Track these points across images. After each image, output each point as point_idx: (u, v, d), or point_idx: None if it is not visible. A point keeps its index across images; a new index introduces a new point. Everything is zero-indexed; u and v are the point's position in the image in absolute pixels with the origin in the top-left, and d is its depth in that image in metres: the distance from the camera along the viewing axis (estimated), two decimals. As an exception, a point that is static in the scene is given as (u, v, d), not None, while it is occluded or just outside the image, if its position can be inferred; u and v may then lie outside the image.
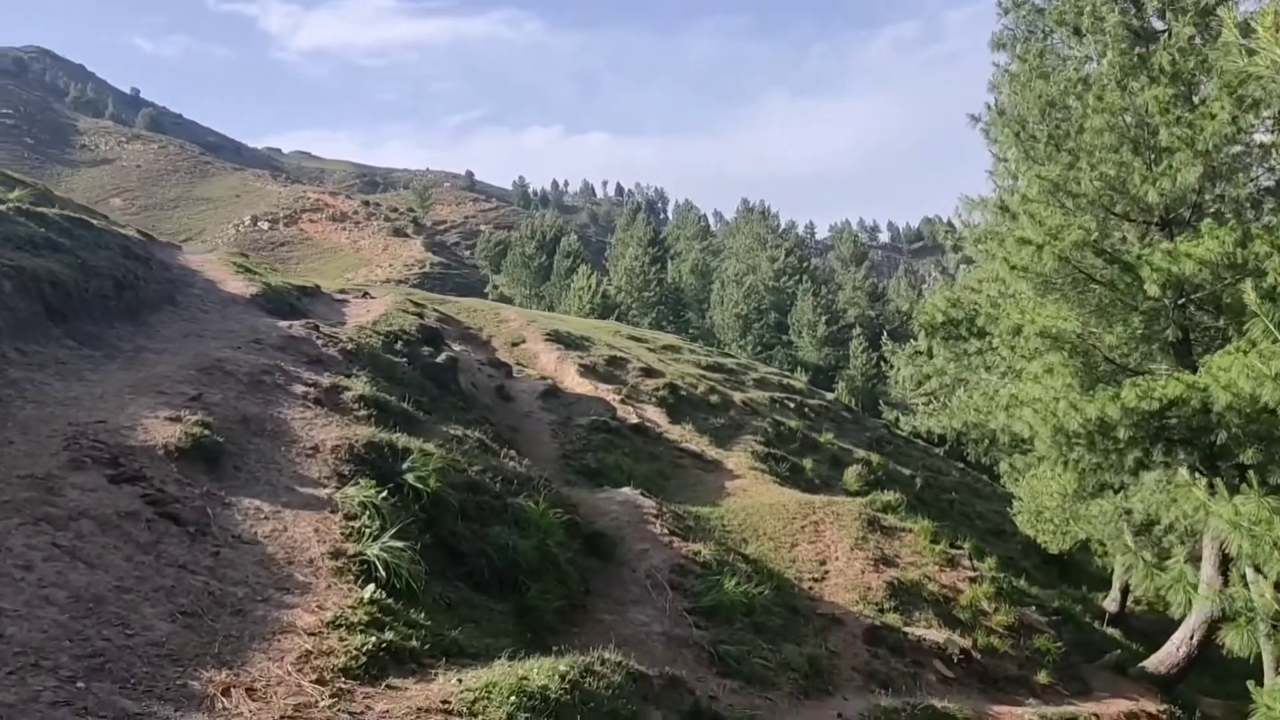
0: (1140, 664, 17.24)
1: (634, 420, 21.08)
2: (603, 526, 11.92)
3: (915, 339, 44.76)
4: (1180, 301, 16.18)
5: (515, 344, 26.73)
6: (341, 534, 7.12)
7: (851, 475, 26.08)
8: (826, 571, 15.17)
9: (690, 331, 68.60)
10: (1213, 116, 14.50)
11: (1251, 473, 11.32)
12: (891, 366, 76.56)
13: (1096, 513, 28.31)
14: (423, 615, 6.63)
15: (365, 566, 6.86)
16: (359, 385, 11.15)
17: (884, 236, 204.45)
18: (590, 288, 68.98)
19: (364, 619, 6.03)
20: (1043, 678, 14.41)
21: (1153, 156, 16.09)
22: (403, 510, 8.32)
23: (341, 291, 24.54)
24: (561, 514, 10.61)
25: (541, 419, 18.88)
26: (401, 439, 9.42)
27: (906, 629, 13.87)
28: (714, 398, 27.53)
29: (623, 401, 23.09)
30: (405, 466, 8.78)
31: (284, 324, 13.41)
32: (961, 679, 13.45)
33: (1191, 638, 16.92)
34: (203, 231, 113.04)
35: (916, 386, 69.52)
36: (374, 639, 5.79)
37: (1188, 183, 15.16)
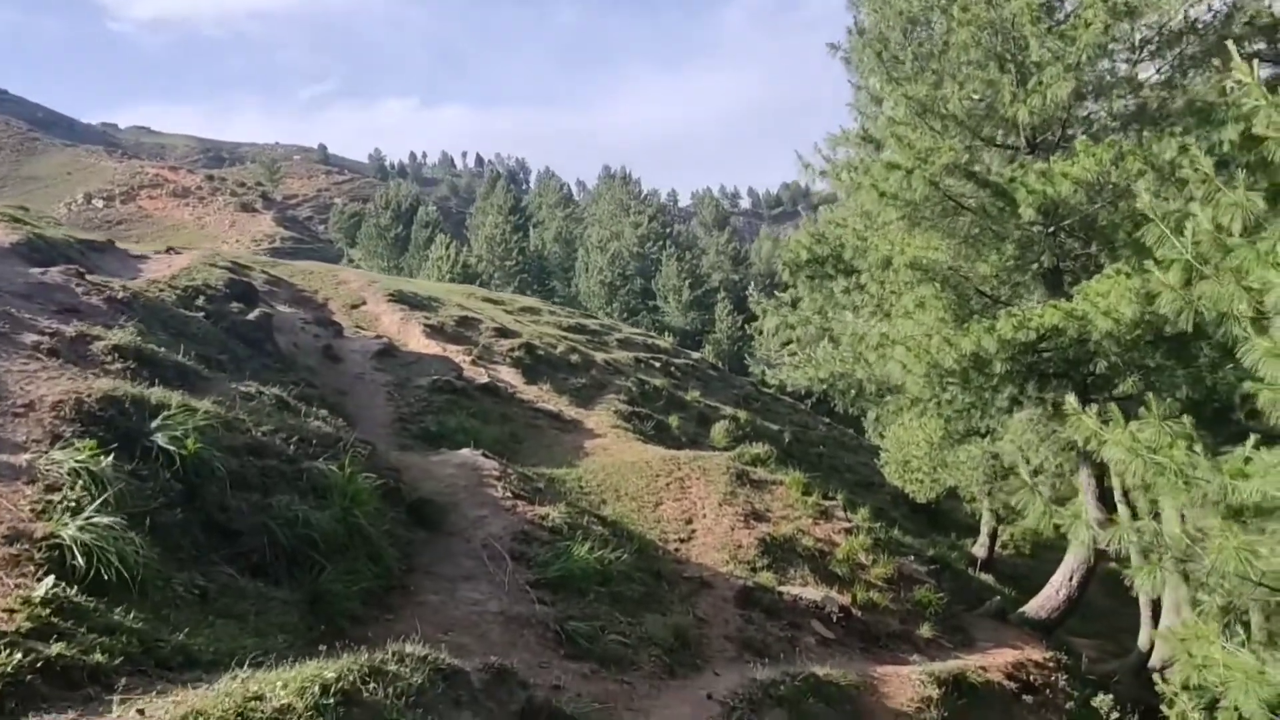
0: (1020, 610, 16.55)
1: (483, 380, 19.31)
2: (431, 492, 10.22)
3: (778, 295, 44.13)
4: (1051, 230, 15.38)
5: (354, 306, 24.53)
6: (31, 511, 5.26)
7: (719, 431, 24.95)
8: (694, 531, 13.83)
9: (556, 299, 66.89)
10: (1086, 25, 13.60)
11: (1152, 400, 10.31)
12: (759, 331, 76.58)
13: (965, 459, 28.04)
14: (137, 615, 4.87)
15: (57, 552, 5.04)
16: (119, 336, 9.14)
17: (745, 203, 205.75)
18: (449, 257, 66.30)
19: (27, 626, 4.25)
20: (926, 631, 13.42)
21: (1020, 75, 15.15)
22: (149, 479, 6.48)
23: (157, 254, 21.92)
24: (375, 479, 8.87)
25: (375, 380, 16.95)
26: (159, 394, 7.51)
27: (782, 588, 12.64)
28: (574, 357, 25.96)
29: (473, 362, 21.29)
30: (155, 425, 6.92)
31: (37, 271, 11.18)
32: (842, 639, 12.31)
33: (1071, 579, 16.30)
34: (30, 213, 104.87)
35: (782, 346, 69.49)
36: (30, 656, 4.02)
37: (1059, 99, 14.25)
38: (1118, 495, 16.47)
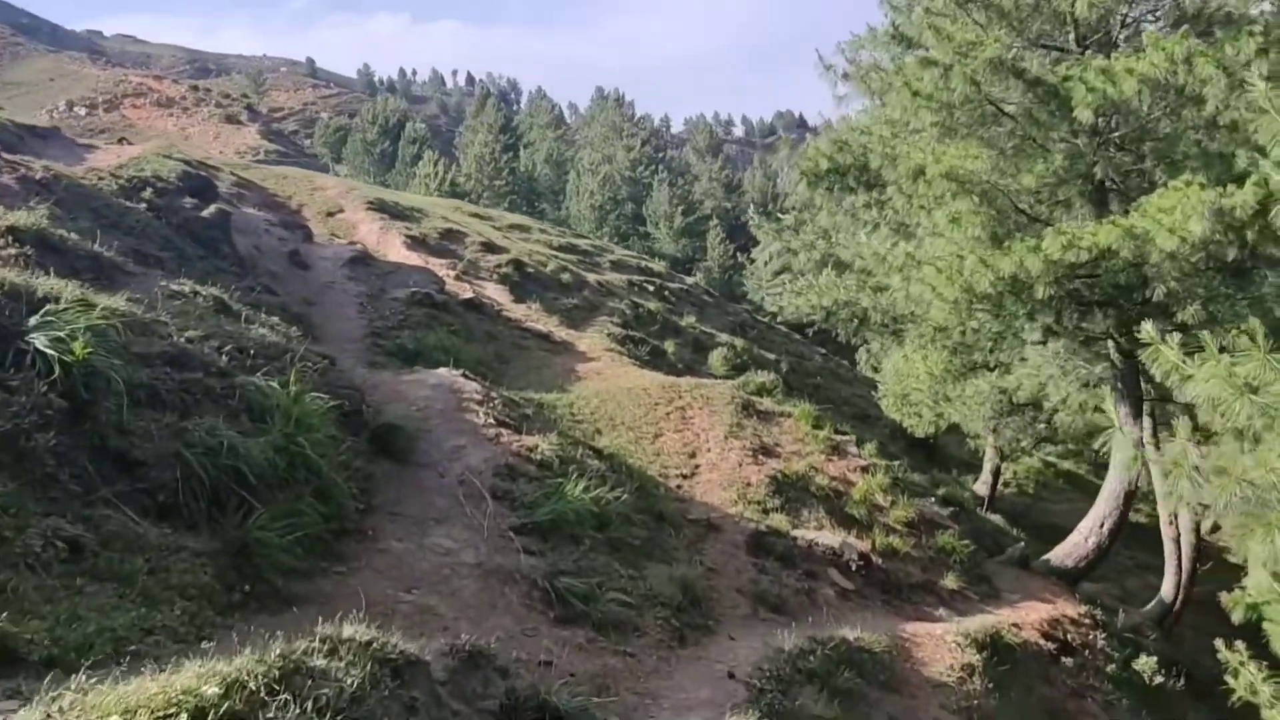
0: (1044, 558, 15.28)
1: (467, 296, 17.71)
2: (400, 416, 8.70)
3: (780, 217, 42.44)
4: (1102, 140, 13.77)
5: (331, 214, 22.75)
6: None
7: (717, 359, 23.50)
8: (698, 466, 12.41)
9: (546, 221, 65.02)
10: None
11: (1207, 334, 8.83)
12: (751, 260, 74.91)
13: (971, 394, 26.66)
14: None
15: None
16: (20, 218, 7.53)
17: (738, 130, 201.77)
18: (437, 174, 63.99)
19: None
20: (950, 581, 12.12)
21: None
22: (19, 392, 4.95)
23: (109, 144, 20.06)
24: (330, 400, 7.35)
25: (346, 290, 15.32)
26: (49, 284, 5.94)
27: (796, 532, 11.27)
28: (565, 277, 24.33)
29: (457, 277, 19.65)
30: (35, 324, 5.37)
31: (-63, 146, 9.55)
32: (862, 590, 10.98)
33: (1102, 526, 15.00)
34: (11, 117, 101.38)
35: (775, 275, 67.94)
36: None
37: (1124, -12, 12.59)
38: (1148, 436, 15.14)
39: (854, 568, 11.19)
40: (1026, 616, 11.72)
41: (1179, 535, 21.24)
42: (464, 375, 11.04)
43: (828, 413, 17.44)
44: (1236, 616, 9.39)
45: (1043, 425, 27.13)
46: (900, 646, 9.08)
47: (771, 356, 31.53)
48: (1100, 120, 12.91)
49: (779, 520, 11.35)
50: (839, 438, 14.94)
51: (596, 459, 10.44)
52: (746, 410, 14.57)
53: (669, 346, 21.74)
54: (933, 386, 29.39)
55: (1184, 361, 8.59)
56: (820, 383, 35.02)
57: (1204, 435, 15.46)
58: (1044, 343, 15.41)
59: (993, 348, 17.50)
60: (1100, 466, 43.64)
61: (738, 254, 69.67)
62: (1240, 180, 11.14)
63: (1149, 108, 12.79)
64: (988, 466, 28.06)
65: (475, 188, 70.93)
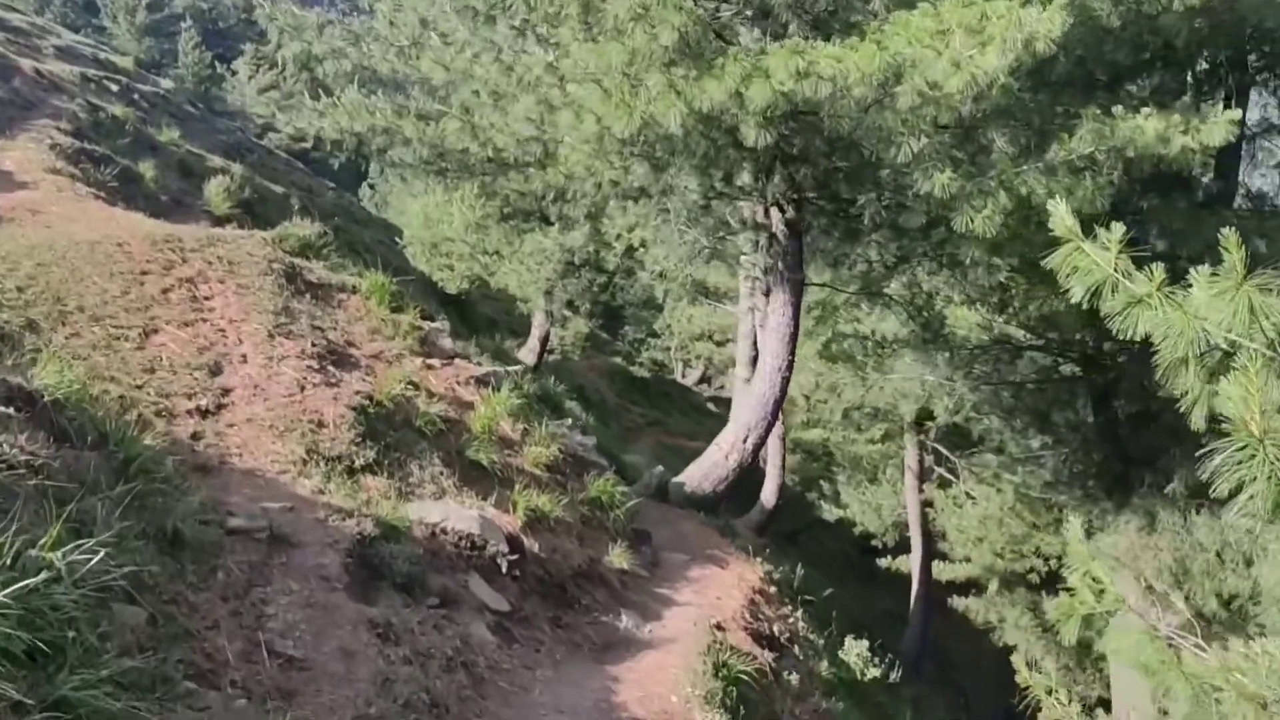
0: (678, 481, 12.07)
1: None
2: None
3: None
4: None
5: None
6: None
7: (216, 191, 17.19)
8: (228, 391, 7.12)
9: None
10: None
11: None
12: (233, 70, 65.33)
13: (529, 250, 23.16)
14: None
15: None
16: None
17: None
18: None
19: None
20: (617, 558, 8.24)
21: None
22: None
23: None
24: None
25: None
26: None
27: (412, 512, 6.62)
28: (-22, 52, 16.26)
29: None
30: None
31: None
32: (521, 608, 6.67)
33: (745, 440, 12.04)
34: None
35: (261, 92, 59.58)
36: None
37: None
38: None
39: (504, 567, 6.82)
40: (724, 605, 8.21)
41: (785, 434, 19.57)
42: None
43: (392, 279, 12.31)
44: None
45: (598, 287, 24.44)
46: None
47: (278, 189, 25.45)
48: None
49: (387, 508, 6.56)
50: (428, 325, 10.24)
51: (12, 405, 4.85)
52: (294, 282, 9.32)
53: (146, 170, 15.16)
54: (467, 237, 25.44)
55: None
56: (338, 224, 29.40)
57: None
58: (707, 208, 11.79)
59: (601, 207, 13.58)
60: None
61: (216, 63, 60.59)
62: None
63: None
64: (536, 333, 24.86)
65: None
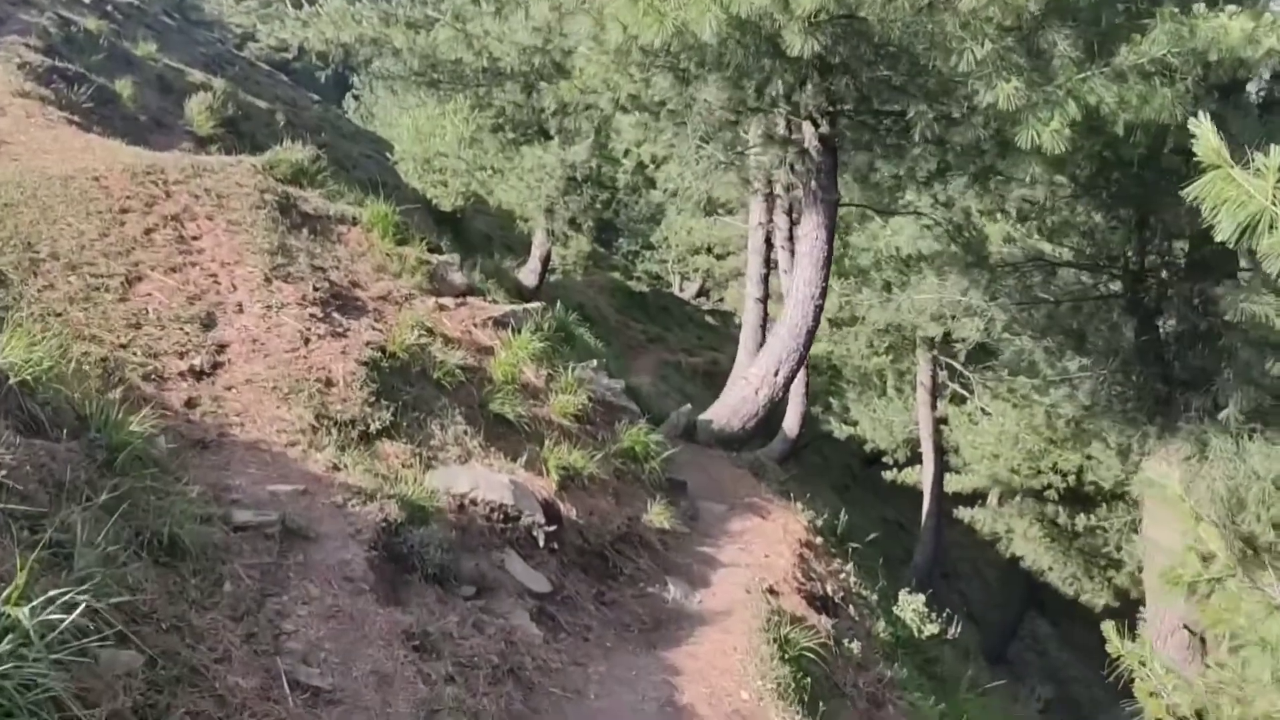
0: (704, 418, 11.35)
1: None
2: None
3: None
4: None
5: None
6: None
7: (198, 109, 16.08)
8: (224, 347, 6.33)
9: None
10: None
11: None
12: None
13: (530, 165, 22.15)
14: None
15: None
16: None
17: None
18: None
19: None
20: (657, 516, 7.56)
21: None
22: None
23: None
24: None
25: None
26: None
27: (437, 483, 5.90)
28: (-75, -41, 14.98)
29: None
30: None
31: None
32: (563, 588, 6.00)
33: (776, 373, 11.28)
34: None
35: (239, 1, 57.62)
36: None
37: None
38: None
39: (541, 539, 6.13)
40: (774, 564, 7.54)
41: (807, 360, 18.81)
42: None
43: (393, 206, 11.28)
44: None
45: (601, 204, 23.42)
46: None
47: (263, 104, 24.32)
48: None
49: (403, 464, 5.85)
50: (436, 258, 9.41)
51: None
52: (288, 215, 8.46)
53: (123, 89, 14.06)
54: (461, 152, 24.39)
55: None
56: (324, 139, 28.20)
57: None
58: (735, 120, 10.84)
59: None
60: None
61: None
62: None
63: None
64: (536, 252, 23.91)
65: None
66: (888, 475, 26.38)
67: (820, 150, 10.54)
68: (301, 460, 5.43)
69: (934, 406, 23.84)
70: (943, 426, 23.61)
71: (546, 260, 24.00)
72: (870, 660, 7.03)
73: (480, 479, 6.15)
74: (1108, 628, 6.50)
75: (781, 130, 11.05)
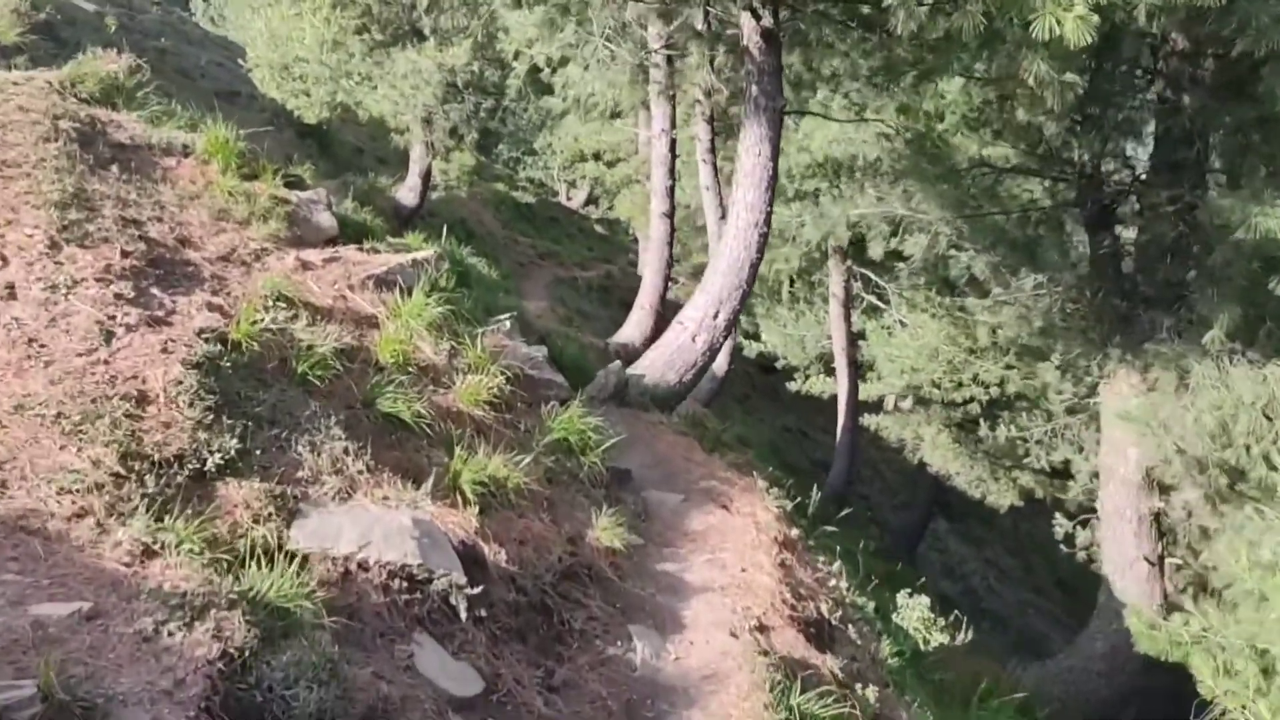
0: (635, 372, 9.61)
1: None
2: None
3: None
4: None
5: None
6: None
7: (2, 11, 13.33)
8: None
9: None
10: None
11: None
12: None
13: (403, 69, 19.88)
14: None
15: None
16: None
17: None
18: None
19: None
20: (605, 533, 5.82)
21: None
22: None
23: None
24: None
25: None
26: None
27: (319, 553, 4.08)
28: None
29: None
30: None
31: None
32: (494, 673, 4.29)
33: (716, 316, 9.59)
34: None
35: None
36: None
37: None
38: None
39: (464, 609, 4.37)
40: (754, 582, 5.89)
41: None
42: None
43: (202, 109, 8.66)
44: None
45: (486, 112, 21.11)
46: None
47: (91, 7, 21.40)
48: None
49: (254, 517, 4.00)
50: (296, 195, 7.33)
51: None
52: (91, 148, 6.30)
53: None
54: (325, 57, 21.74)
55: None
56: (164, 46, 25.13)
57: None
58: (666, 14, 8.89)
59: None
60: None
61: None
62: None
63: None
64: (416, 168, 21.54)
65: None
66: (792, 386, 25.28)
67: (762, 48, 8.71)
68: (93, 545, 3.53)
69: (848, 319, 22.67)
70: (860, 341, 22.50)
71: (427, 176, 21.65)
72: (887, 704, 5.56)
73: (371, 527, 4.34)
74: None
75: (700, 24, 9.19)
